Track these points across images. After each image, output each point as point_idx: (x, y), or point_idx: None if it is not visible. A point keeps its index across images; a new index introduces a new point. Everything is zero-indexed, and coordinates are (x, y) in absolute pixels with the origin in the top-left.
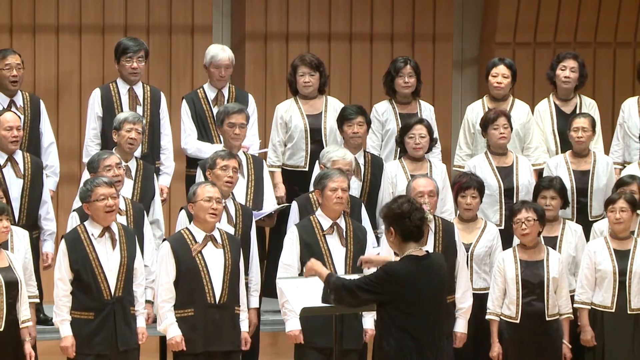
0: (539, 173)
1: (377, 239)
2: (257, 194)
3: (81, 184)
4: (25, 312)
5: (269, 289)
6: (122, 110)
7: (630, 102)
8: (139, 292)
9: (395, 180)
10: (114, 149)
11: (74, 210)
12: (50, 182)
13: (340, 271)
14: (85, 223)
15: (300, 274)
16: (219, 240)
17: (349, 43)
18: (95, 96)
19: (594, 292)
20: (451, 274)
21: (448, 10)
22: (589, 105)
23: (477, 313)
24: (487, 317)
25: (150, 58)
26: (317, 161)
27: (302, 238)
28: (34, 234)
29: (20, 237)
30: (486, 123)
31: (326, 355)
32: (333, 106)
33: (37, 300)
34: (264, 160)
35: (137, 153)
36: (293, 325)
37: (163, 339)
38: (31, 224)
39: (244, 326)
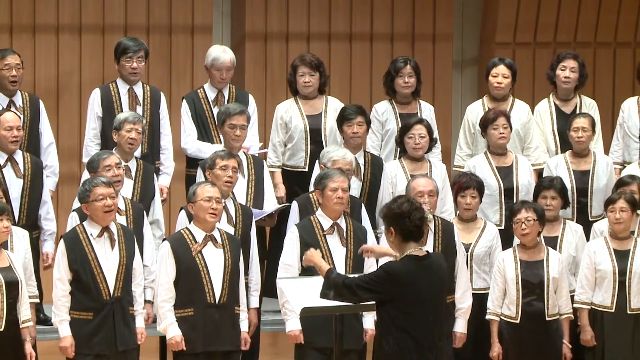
0: (539, 173)
1: (377, 239)
2: (257, 194)
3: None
4: (25, 312)
5: (269, 289)
6: (122, 110)
7: (630, 102)
8: (138, 292)
9: (395, 180)
10: (114, 149)
11: (73, 210)
12: (49, 182)
13: (341, 271)
14: (84, 223)
15: (301, 274)
16: (219, 240)
17: (349, 43)
18: (95, 96)
19: (594, 292)
20: (451, 274)
21: (448, 10)
22: (589, 105)
23: (477, 313)
24: (487, 317)
25: (150, 58)
26: (317, 161)
27: (303, 238)
28: (34, 234)
29: (20, 237)
30: (486, 123)
31: (326, 355)
32: (333, 106)
33: (37, 300)
34: (264, 160)
35: (137, 153)
36: (293, 325)
37: (163, 339)
38: (31, 224)
39: (244, 326)
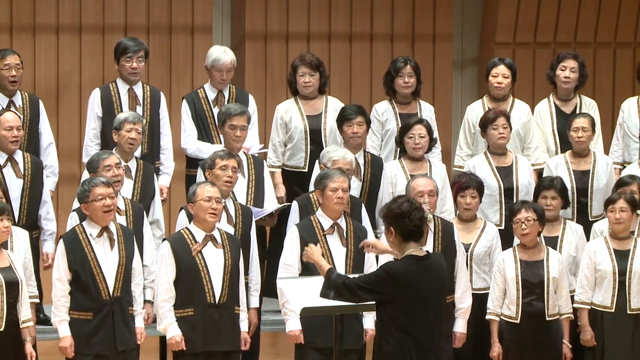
0: (539, 173)
1: (377, 239)
2: (257, 194)
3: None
4: (25, 312)
5: (269, 289)
6: (121, 110)
7: (630, 102)
8: (137, 292)
9: (395, 180)
10: (113, 149)
11: (73, 211)
12: (49, 182)
13: (341, 271)
14: (83, 223)
15: (301, 274)
16: (218, 240)
17: (349, 43)
18: (95, 96)
19: (594, 292)
20: (450, 274)
21: (448, 10)
22: (589, 105)
23: (477, 313)
24: (487, 317)
25: (150, 58)
26: (317, 161)
27: (303, 238)
28: (34, 234)
29: (20, 237)
30: (485, 123)
31: (326, 355)
32: (333, 106)
33: (37, 300)
34: (264, 160)
35: (137, 153)
36: (293, 325)
37: (163, 339)
38: (31, 224)
39: (244, 326)
